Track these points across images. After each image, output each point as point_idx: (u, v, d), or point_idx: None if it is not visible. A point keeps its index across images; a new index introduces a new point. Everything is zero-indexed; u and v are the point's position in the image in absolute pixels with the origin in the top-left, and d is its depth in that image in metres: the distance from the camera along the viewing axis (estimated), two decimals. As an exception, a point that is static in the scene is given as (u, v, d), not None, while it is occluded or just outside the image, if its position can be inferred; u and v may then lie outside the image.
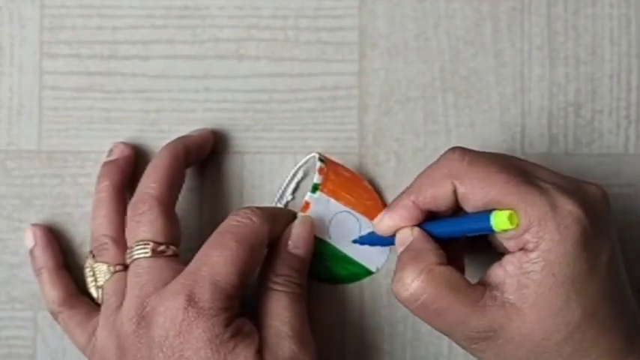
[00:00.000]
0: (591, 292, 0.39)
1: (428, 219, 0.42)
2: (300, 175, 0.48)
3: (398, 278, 0.40)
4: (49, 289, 0.46)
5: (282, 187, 0.48)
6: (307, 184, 0.48)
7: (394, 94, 0.49)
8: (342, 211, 0.47)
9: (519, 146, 0.49)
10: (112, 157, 0.48)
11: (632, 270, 0.49)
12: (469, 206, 0.40)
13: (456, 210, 0.42)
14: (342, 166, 0.48)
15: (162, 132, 0.49)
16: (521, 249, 0.39)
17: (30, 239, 0.48)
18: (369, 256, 0.48)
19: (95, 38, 0.49)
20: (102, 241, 0.45)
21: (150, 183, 0.45)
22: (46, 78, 0.49)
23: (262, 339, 0.43)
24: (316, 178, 0.47)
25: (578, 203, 0.39)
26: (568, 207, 0.39)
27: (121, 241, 0.45)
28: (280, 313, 0.44)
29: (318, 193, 0.47)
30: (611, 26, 0.49)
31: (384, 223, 0.43)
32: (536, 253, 0.38)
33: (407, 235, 0.42)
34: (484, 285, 0.40)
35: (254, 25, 0.49)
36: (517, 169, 0.40)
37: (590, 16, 0.49)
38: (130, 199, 0.46)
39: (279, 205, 0.48)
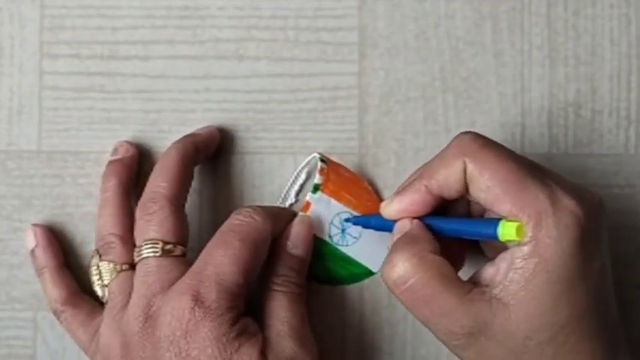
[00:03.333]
0: (580, 295, 0.38)
1: (435, 211, 0.42)
2: (303, 177, 0.48)
3: (389, 260, 0.40)
4: (51, 289, 0.46)
5: (285, 190, 0.48)
6: (310, 186, 0.48)
7: (394, 94, 0.49)
8: (342, 212, 0.47)
9: (519, 146, 0.49)
10: (118, 156, 0.48)
11: (631, 269, 0.49)
12: (474, 188, 0.40)
13: (463, 204, 0.42)
14: (343, 167, 0.48)
15: (163, 132, 0.49)
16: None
17: (31, 240, 0.48)
18: (370, 257, 0.48)
19: (95, 38, 0.49)
20: (108, 240, 0.45)
21: (160, 182, 0.45)
22: (46, 78, 0.49)
23: (264, 339, 0.43)
24: (317, 179, 0.47)
25: (581, 204, 0.39)
26: (570, 206, 0.38)
27: (127, 240, 0.45)
28: (280, 313, 0.44)
29: (318, 194, 0.47)
30: (611, 26, 0.49)
31: (392, 207, 0.42)
32: (529, 247, 0.38)
33: (405, 224, 0.42)
34: (474, 282, 0.40)
35: (254, 25, 0.49)
36: (525, 162, 0.40)
37: (590, 16, 0.49)
38: (134, 198, 0.46)
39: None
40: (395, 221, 0.43)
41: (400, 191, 0.42)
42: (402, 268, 0.39)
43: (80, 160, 0.49)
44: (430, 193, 0.41)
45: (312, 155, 0.48)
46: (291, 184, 0.48)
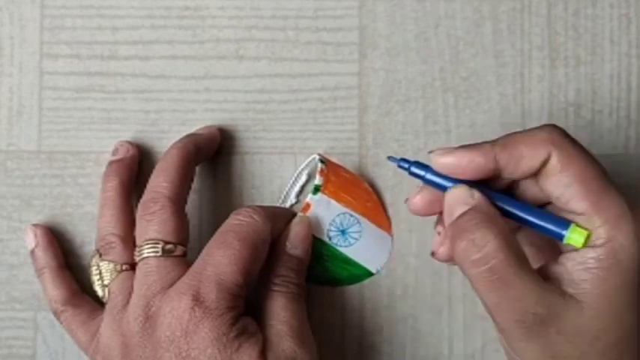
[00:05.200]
0: None
1: (482, 185, 0.40)
2: (303, 178, 0.48)
3: (470, 239, 0.38)
4: (51, 289, 0.46)
5: (285, 191, 0.48)
6: (311, 187, 0.47)
7: (394, 94, 0.49)
8: (342, 213, 0.47)
9: (519, 146, 0.49)
10: (118, 156, 0.48)
11: (631, 270, 0.49)
12: (552, 181, 0.39)
13: (509, 184, 0.41)
14: (343, 168, 0.48)
15: (163, 132, 0.49)
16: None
17: (31, 240, 0.48)
18: (369, 257, 0.48)
19: (95, 38, 0.49)
20: (109, 240, 0.45)
21: (162, 182, 0.45)
22: (46, 78, 0.49)
23: (264, 339, 0.43)
24: (317, 180, 0.47)
25: None
26: None
27: (128, 240, 0.45)
28: (279, 313, 0.44)
29: (319, 195, 0.47)
30: (611, 26, 0.49)
31: (446, 160, 0.40)
32: (605, 249, 0.38)
33: (466, 195, 0.39)
34: (544, 275, 0.39)
35: (254, 25, 0.49)
36: (603, 168, 0.39)
37: (590, 17, 0.49)
38: (134, 198, 0.46)
39: (280, 208, 0.49)
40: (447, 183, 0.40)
41: (465, 146, 0.40)
42: (486, 248, 0.37)
43: (80, 160, 0.49)
44: (495, 163, 0.39)
45: (312, 156, 0.48)
46: (292, 185, 0.48)
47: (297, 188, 0.48)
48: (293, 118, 0.49)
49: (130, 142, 0.48)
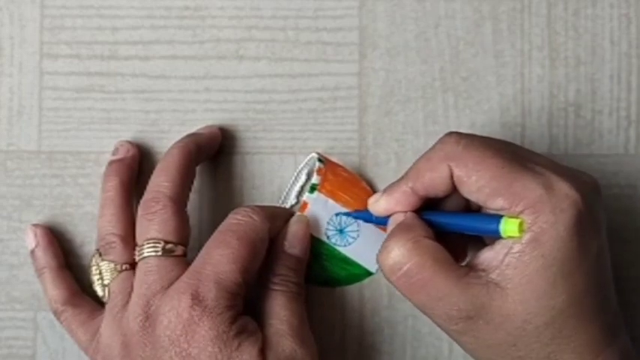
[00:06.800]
0: (578, 279, 0.39)
1: (425, 207, 0.42)
2: (303, 178, 0.48)
3: (384, 247, 0.40)
4: (51, 289, 0.47)
5: (286, 191, 0.48)
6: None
7: (394, 94, 0.49)
8: (340, 212, 0.47)
9: (519, 146, 0.49)
10: (119, 156, 0.48)
11: (632, 270, 0.49)
12: (465, 190, 0.40)
13: (460, 196, 0.42)
14: (342, 167, 0.48)
15: (163, 132, 0.49)
16: None
17: (31, 240, 0.48)
18: (368, 257, 0.48)
19: (95, 38, 0.49)
20: (109, 240, 0.45)
21: (163, 182, 0.45)
22: (46, 78, 0.49)
23: (264, 338, 0.43)
24: (315, 179, 0.47)
25: (575, 187, 0.39)
26: (565, 190, 0.38)
27: (128, 240, 0.45)
28: (279, 312, 0.44)
29: (316, 194, 0.47)
30: (611, 26, 0.49)
31: (379, 205, 0.43)
32: (527, 234, 0.38)
33: (399, 216, 0.42)
34: (470, 266, 0.40)
35: (254, 25, 0.49)
36: (512, 153, 0.40)
37: (590, 17, 0.49)
38: (134, 198, 0.46)
39: (280, 208, 0.49)
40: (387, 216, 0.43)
41: (387, 190, 0.43)
42: (398, 253, 0.40)
43: (80, 160, 0.49)
44: (416, 194, 0.42)
45: (311, 155, 0.48)
46: (292, 185, 0.48)
47: (296, 188, 0.48)
48: (293, 118, 0.49)
49: (130, 142, 0.48)
